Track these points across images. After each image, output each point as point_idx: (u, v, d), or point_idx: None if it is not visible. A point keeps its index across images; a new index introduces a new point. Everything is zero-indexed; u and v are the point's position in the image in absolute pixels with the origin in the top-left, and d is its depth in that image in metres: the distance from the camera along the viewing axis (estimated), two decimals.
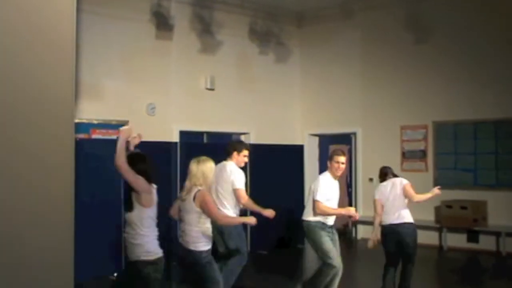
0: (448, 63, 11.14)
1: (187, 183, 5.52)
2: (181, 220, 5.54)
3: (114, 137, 9.97)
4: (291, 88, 13.19)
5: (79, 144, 8.03)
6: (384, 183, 7.26)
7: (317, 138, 13.43)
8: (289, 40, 12.96)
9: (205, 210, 5.33)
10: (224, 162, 7.02)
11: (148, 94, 10.71)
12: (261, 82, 12.54)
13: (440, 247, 11.00)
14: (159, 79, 10.89)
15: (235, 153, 7.04)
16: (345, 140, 12.97)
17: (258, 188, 9.65)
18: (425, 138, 11.51)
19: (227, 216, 5.29)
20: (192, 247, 5.33)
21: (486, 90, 10.70)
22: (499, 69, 10.59)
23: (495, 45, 10.63)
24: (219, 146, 11.15)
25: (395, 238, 7.02)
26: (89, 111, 9.74)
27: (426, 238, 11.11)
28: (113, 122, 10.13)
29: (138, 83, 10.59)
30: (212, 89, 11.65)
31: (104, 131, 10.00)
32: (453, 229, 10.77)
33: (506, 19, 10.60)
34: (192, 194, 5.38)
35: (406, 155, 11.74)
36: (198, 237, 5.36)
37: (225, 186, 6.86)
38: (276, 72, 12.75)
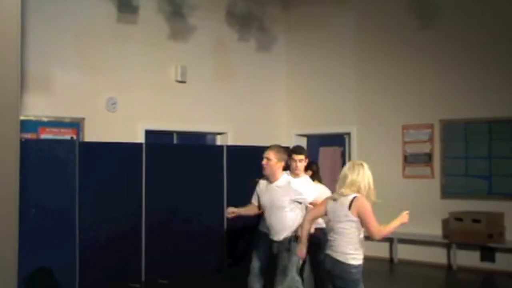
0: (458, 53, 11.13)
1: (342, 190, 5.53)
2: (331, 229, 5.57)
3: (67, 137, 9.97)
4: (275, 81, 13.17)
5: (25, 144, 7.96)
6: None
7: (305, 139, 13.42)
8: (273, 25, 12.94)
9: (363, 220, 5.39)
10: None
11: (108, 87, 10.61)
12: (240, 74, 12.50)
13: (448, 266, 10.98)
14: (121, 69, 10.78)
15: (289, 160, 7.05)
16: (337, 141, 12.98)
17: (236, 194, 9.52)
18: (430, 139, 11.52)
19: (382, 230, 5.36)
20: (342, 258, 5.40)
21: (503, 84, 10.69)
22: None
23: None
24: (191, 148, 11.24)
25: None
26: (38, 107, 9.65)
27: (433, 255, 11.15)
28: (66, 120, 10.02)
29: (96, 74, 10.47)
30: (183, 82, 11.58)
31: (55, 130, 9.89)
32: (464, 246, 10.75)
33: None
34: (348, 200, 5.42)
35: (408, 159, 11.75)
36: (350, 248, 5.43)
37: None
38: (258, 62, 12.72)
